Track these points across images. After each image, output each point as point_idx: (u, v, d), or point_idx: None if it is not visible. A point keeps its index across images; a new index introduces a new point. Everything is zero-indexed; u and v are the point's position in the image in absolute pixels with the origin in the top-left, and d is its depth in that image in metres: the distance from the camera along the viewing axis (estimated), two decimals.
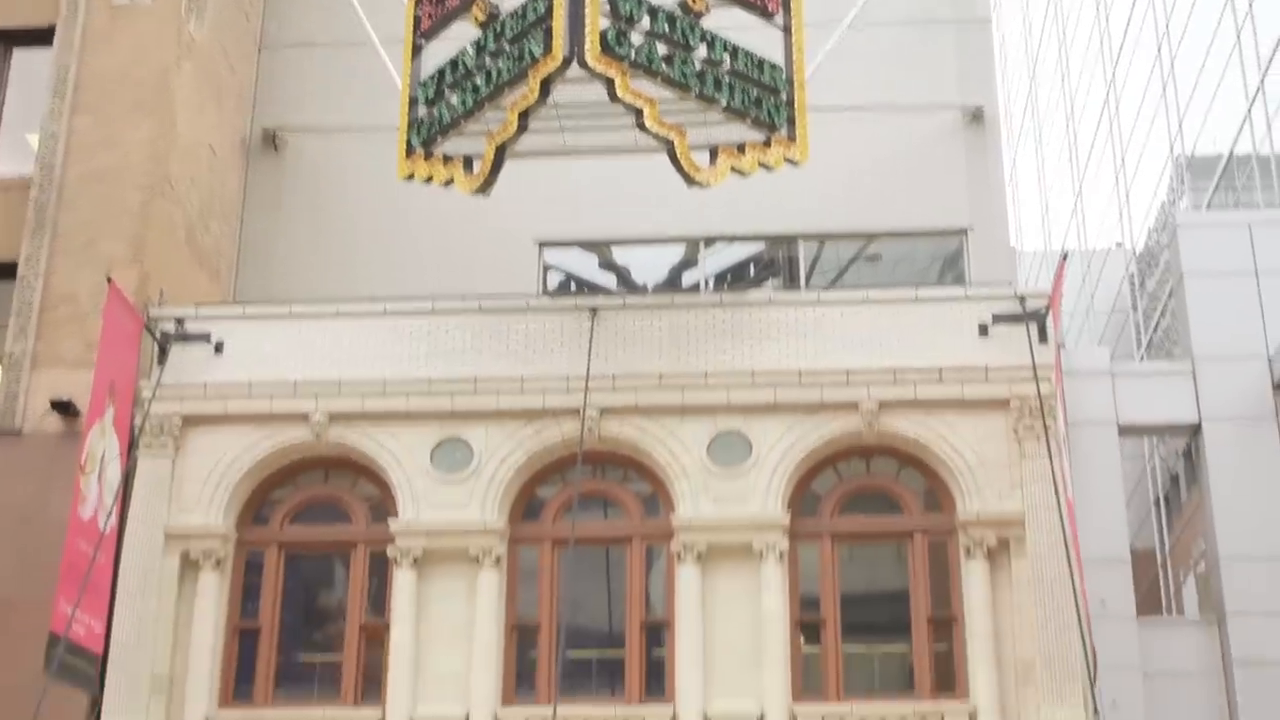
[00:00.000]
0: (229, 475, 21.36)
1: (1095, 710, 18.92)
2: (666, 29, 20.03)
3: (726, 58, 20.27)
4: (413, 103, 21.05)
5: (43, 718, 18.62)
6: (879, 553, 21.38)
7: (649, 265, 25.97)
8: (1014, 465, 20.60)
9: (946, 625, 20.47)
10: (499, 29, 20.29)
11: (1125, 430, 22.38)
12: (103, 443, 20.72)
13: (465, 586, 20.81)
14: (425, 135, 20.76)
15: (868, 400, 20.96)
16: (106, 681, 20.19)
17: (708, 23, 20.44)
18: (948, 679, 20.24)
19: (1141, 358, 30.81)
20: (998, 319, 21.29)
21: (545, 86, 19.71)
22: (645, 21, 19.97)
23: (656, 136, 19.95)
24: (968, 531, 20.47)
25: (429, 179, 20.86)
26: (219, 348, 21.86)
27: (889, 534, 21.15)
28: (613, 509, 21.46)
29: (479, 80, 20.19)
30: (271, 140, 26.69)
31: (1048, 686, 19.48)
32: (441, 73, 20.76)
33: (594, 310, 21.70)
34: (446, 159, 20.74)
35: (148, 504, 21.13)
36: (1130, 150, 36.56)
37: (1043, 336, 21.08)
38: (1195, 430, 22.29)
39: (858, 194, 25.59)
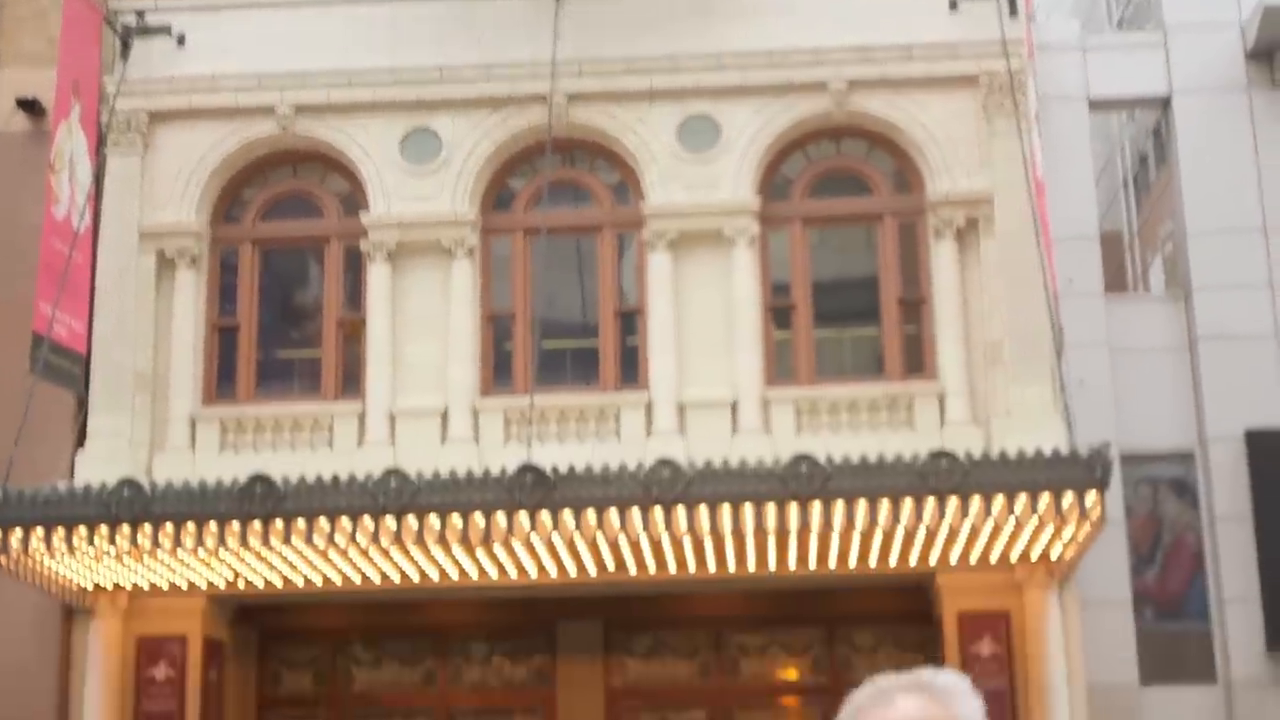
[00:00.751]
0: (199, 172, 21.27)
1: (1062, 387, 19.06)
2: None
3: None
4: None
5: (32, 418, 18.95)
6: (849, 237, 21.48)
7: None
8: (983, 143, 20.55)
9: (915, 307, 20.66)
10: None
11: (1095, 105, 22.15)
12: (71, 141, 20.57)
13: (439, 278, 20.92)
14: None
15: (836, 80, 20.82)
16: (91, 380, 20.46)
17: None
18: (916, 361, 20.49)
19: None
20: None
21: None
22: None
23: None
24: (937, 212, 20.52)
25: None
26: (181, 40, 21.58)
27: (858, 216, 21.23)
28: (583, 198, 21.47)
29: None
30: None
31: (1015, 365, 19.73)
32: None
33: None
34: None
35: (120, 202, 21.11)
36: None
37: (1013, 10, 20.84)
38: (1166, 104, 22.12)
39: None
